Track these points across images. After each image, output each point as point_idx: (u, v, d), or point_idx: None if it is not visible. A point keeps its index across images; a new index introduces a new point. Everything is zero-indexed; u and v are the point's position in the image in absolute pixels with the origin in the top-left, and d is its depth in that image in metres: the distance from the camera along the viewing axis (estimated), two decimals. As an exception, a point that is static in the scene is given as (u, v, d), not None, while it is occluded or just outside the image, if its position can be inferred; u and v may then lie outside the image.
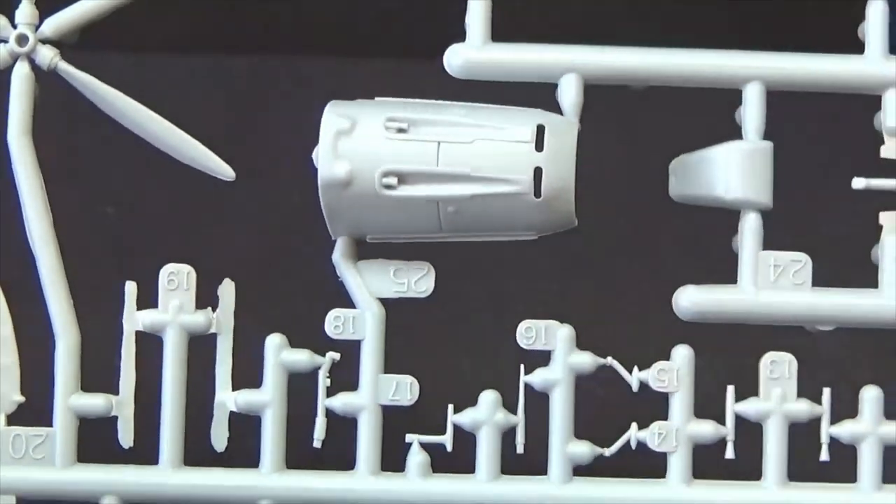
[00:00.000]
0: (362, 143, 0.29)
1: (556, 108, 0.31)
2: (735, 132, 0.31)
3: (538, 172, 0.29)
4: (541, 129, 0.29)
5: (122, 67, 0.31)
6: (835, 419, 0.31)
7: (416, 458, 0.31)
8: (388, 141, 0.29)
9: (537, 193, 0.29)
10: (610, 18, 0.35)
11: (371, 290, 0.31)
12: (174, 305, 0.31)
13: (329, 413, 0.31)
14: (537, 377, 0.31)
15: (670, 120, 0.29)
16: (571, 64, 0.31)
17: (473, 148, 0.29)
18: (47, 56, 0.31)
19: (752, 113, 0.31)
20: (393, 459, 0.31)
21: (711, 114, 0.31)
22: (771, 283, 0.31)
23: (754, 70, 0.31)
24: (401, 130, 0.29)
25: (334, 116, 0.29)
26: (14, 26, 0.31)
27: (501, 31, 0.31)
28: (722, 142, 0.31)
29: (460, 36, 0.31)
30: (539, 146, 0.29)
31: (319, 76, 0.30)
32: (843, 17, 0.31)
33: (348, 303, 0.31)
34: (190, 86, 0.31)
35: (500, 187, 0.29)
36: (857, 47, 0.31)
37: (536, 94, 0.31)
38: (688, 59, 0.31)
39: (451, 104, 0.30)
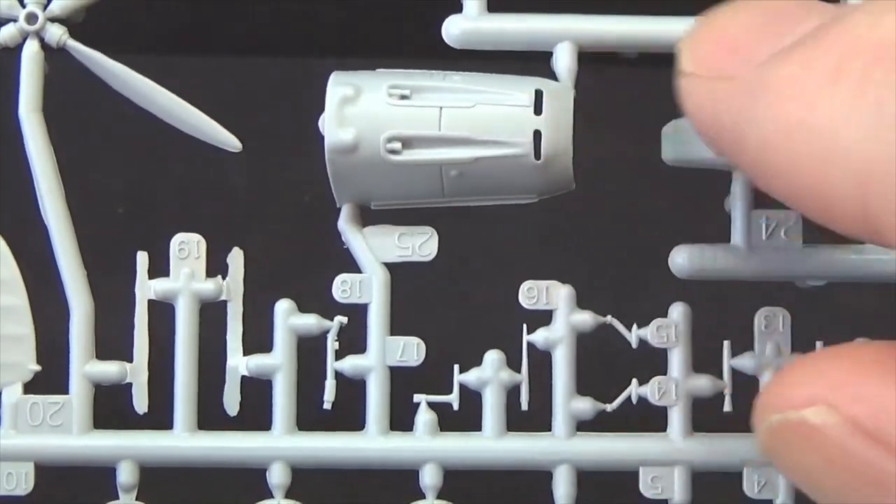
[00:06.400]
0: (367, 109, 0.30)
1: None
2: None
3: (538, 135, 0.30)
4: (539, 94, 0.30)
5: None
6: (828, 371, 0.32)
7: (424, 417, 0.32)
8: (391, 107, 0.30)
9: (537, 156, 0.30)
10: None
11: (376, 254, 0.32)
12: (185, 273, 0.32)
13: (338, 375, 0.32)
14: (540, 336, 0.32)
15: (662, 86, 0.30)
16: (565, 32, 0.32)
17: (474, 112, 0.30)
18: (56, 34, 0.32)
19: (741, 77, 0.32)
20: (401, 419, 0.32)
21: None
22: (763, 240, 0.32)
23: (742, 35, 0.32)
24: (404, 97, 0.30)
25: (339, 85, 0.30)
26: (23, 5, 0.32)
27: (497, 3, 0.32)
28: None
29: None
30: (538, 110, 0.30)
31: (322, 76, 0.30)
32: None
33: (354, 268, 0.32)
34: (190, 85, 0.32)
35: (501, 150, 0.30)
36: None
37: (528, 71, 0.31)
38: (678, 25, 0.32)
39: (451, 73, 0.31)
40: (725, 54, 0.27)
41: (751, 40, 0.27)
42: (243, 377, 0.32)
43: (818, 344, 0.32)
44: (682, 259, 0.32)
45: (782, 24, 0.27)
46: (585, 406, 0.32)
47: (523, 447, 0.32)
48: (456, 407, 0.32)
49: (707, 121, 0.27)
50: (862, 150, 0.24)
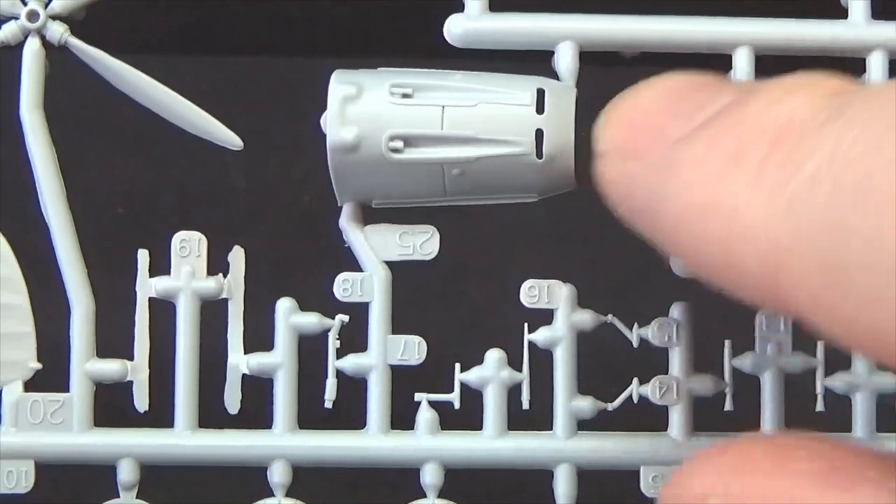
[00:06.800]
0: (369, 108, 0.30)
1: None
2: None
3: (539, 134, 0.30)
4: (541, 93, 0.30)
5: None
6: (829, 371, 0.32)
7: (425, 415, 0.32)
8: (393, 106, 0.30)
9: (539, 155, 0.30)
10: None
11: (378, 253, 0.32)
12: (186, 272, 0.32)
13: (339, 374, 0.32)
14: (541, 335, 0.32)
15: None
16: (567, 31, 0.32)
17: (477, 111, 0.30)
18: (57, 32, 0.32)
19: (741, 76, 0.32)
20: (403, 418, 0.32)
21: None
22: (764, 240, 0.32)
23: (744, 35, 0.32)
24: (406, 96, 0.30)
25: (341, 83, 0.30)
26: (24, 3, 0.32)
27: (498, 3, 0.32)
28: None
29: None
30: (540, 109, 0.30)
31: (322, 76, 0.30)
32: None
33: (356, 267, 0.32)
34: (190, 85, 0.32)
35: (503, 149, 0.30)
36: (842, 15, 0.32)
37: (530, 71, 0.32)
38: (679, 25, 0.32)
39: (453, 72, 0.31)
40: (637, 135, 0.27)
41: (662, 120, 0.27)
42: (244, 375, 0.32)
43: (818, 344, 0.32)
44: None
45: (693, 103, 0.27)
46: (586, 405, 0.32)
47: (524, 446, 0.32)
48: (457, 406, 0.32)
49: (621, 200, 0.27)
50: (764, 232, 0.24)
